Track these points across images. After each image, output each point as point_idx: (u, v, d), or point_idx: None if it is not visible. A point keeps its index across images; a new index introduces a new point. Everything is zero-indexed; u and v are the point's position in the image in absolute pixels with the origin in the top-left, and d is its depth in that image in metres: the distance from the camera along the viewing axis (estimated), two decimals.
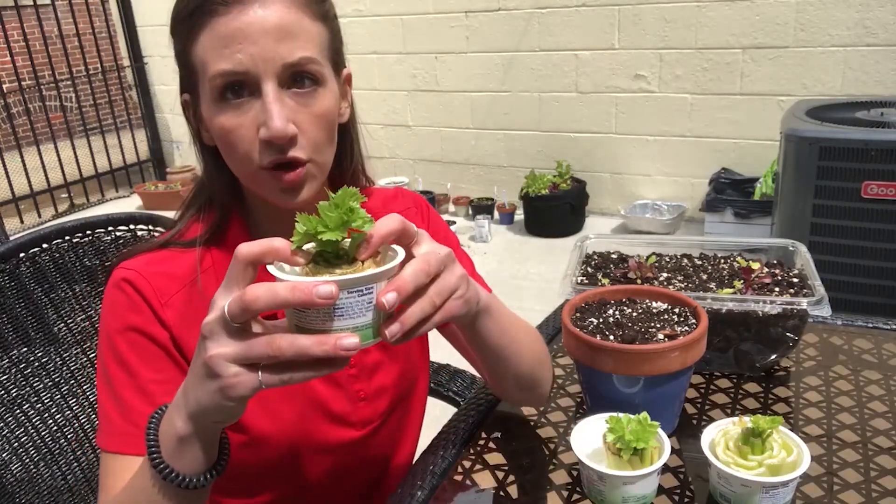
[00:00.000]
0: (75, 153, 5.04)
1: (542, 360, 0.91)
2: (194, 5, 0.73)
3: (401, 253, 0.60)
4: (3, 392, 0.96)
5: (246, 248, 0.56)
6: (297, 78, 0.74)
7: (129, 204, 5.17)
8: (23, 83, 5.18)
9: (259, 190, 0.79)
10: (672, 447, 0.82)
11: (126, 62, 5.50)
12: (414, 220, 0.99)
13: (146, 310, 0.77)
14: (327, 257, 0.57)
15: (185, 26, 0.74)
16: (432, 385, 1.23)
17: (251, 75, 0.72)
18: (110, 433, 0.76)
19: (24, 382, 0.98)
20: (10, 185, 4.76)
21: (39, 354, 1.00)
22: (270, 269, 0.56)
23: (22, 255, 0.99)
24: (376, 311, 0.57)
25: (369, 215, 0.57)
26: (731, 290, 1.02)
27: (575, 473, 0.86)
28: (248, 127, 0.74)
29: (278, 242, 0.56)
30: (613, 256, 1.18)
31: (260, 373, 0.55)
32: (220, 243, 0.83)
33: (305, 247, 0.57)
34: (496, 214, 4.27)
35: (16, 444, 0.96)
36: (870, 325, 1.17)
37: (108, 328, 0.79)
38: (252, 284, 0.54)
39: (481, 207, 4.23)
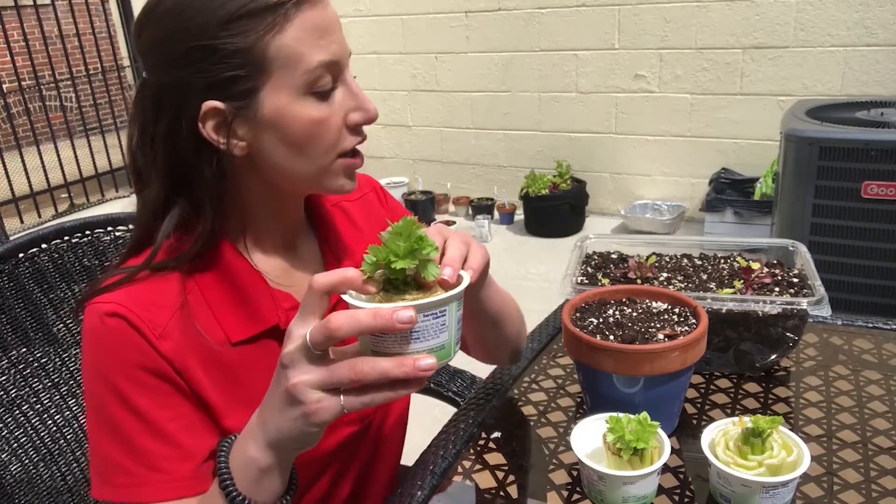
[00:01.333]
0: (75, 153, 5.03)
1: (523, 319, 1.02)
2: None
3: (465, 276, 0.63)
4: (2, 393, 0.96)
5: (322, 279, 0.59)
6: None
7: (129, 204, 5.17)
8: (23, 83, 5.18)
9: (328, 182, 0.79)
10: (672, 447, 0.83)
11: (126, 62, 5.50)
12: (373, 205, 1.00)
13: (144, 345, 0.72)
14: (396, 284, 0.60)
15: (265, 17, 0.70)
16: (432, 385, 1.23)
17: (340, 66, 0.75)
18: (132, 485, 0.72)
19: (23, 383, 0.98)
20: (10, 185, 4.76)
21: (39, 355, 1.00)
22: (347, 298, 0.59)
23: (21, 255, 0.99)
24: (448, 332, 0.60)
25: (435, 242, 0.61)
26: (731, 290, 1.02)
27: (575, 473, 0.86)
28: (336, 115, 0.75)
29: (351, 272, 0.59)
30: (613, 256, 1.18)
31: (342, 396, 0.58)
32: (200, 259, 0.78)
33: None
34: (496, 214, 4.27)
35: (15, 444, 0.96)
36: (870, 325, 1.17)
37: (104, 370, 0.73)
38: (334, 313, 0.56)
39: (481, 207, 4.23)
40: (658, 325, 0.91)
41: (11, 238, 1.02)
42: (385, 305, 0.56)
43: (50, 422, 1.01)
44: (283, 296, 0.82)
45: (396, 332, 0.57)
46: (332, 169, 0.78)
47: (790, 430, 0.81)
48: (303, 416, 0.59)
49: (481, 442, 0.93)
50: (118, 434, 0.72)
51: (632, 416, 0.79)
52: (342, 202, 0.96)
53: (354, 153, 0.79)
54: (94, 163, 5.25)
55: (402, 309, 0.55)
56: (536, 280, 3.46)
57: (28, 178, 4.81)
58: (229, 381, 0.78)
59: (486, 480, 0.86)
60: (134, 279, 0.75)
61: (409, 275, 0.60)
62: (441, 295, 0.59)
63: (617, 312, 0.96)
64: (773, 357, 1.02)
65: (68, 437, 1.02)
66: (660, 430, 0.78)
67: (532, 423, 0.97)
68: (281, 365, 0.60)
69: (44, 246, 1.02)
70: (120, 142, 5.38)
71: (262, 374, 0.80)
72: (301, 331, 0.59)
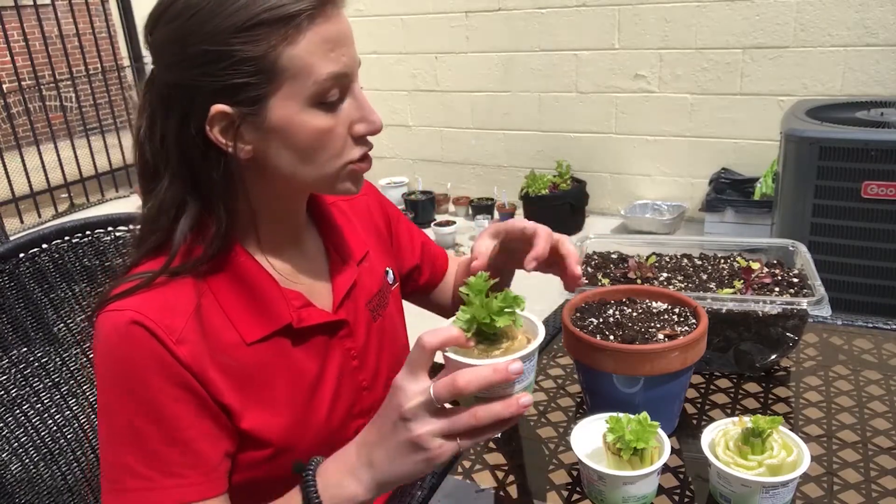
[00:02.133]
0: (75, 153, 5.04)
1: None
2: (297, 8, 0.70)
3: (539, 327, 0.70)
4: (2, 392, 0.96)
5: (432, 339, 0.65)
6: None
7: (129, 204, 5.17)
8: (23, 83, 5.18)
9: (337, 186, 0.81)
10: (672, 447, 0.83)
11: (126, 62, 5.50)
12: (374, 209, 1.03)
13: (162, 351, 0.72)
14: (488, 336, 0.68)
15: (279, 28, 0.70)
16: None
17: (349, 77, 0.76)
18: (143, 489, 0.72)
19: (23, 383, 0.98)
20: (10, 185, 4.76)
21: (39, 355, 1.00)
22: (451, 354, 0.67)
23: (22, 255, 0.99)
24: (535, 370, 0.70)
25: (522, 297, 0.68)
26: (731, 290, 1.02)
27: (575, 473, 0.86)
28: (342, 125, 0.77)
29: (455, 332, 0.66)
30: (613, 256, 1.18)
31: (459, 439, 0.66)
32: (210, 262, 0.78)
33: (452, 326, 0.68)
34: (496, 214, 4.27)
35: (15, 444, 0.96)
36: (870, 325, 1.17)
37: (121, 378, 0.72)
38: (460, 371, 0.63)
39: (481, 207, 4.23)
40: (658, 325, 0.91)
41: (12, 238, 1.01)
42: (498, 360, 0.64)
43: (50, 421, 1.01)
44: (294, 294, 0.83)
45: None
46: (339, 175, 0.80)
47: (790, 430, 0.81)
48: (426, 460, 0.66)
49: (481, 442, 0.93)
50: (132, 440, 0.72)
51: (632, 416, 0.79)
52: (338, 201, 0.97)
53: (363, 158, 0.80)
54: (94, 163, 5.25)
55: (512, 362, 0.64)
56: (536, 280, 3.46)
57: (28, 178, 4.81)
58: (245, 382, 0.78)
59: (486, 480, 0.86)
60: (149, 284, 0.75)
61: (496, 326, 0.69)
62: (534, 343, 0.68)
63: (617, 312, 0.96)
64: (773, 357, 1.03)
65: (69, 436, 1.03)
66: (660, 430, 0.78)
67: (532, 423, 0.97)
68: (402, 418, 0.65)
69: (44, 246, 1.02)
70: (120, 142, 5.38)
71: (276, 373, 0.81)
72: (416, 386, 0.65)
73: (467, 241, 4.01)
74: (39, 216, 4.88)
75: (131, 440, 0.72)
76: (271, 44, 0.70)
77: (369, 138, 0.81)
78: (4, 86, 5.24)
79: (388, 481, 0.69)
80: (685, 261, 1.15)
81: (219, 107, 0.72)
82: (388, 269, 1.01)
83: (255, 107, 0.73)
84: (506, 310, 0.67)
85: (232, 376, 0.77)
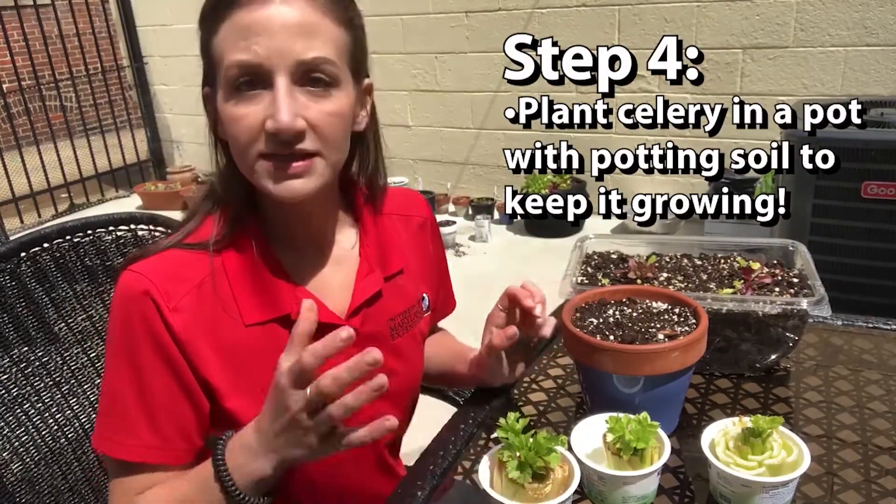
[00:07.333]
0: (75, 153, 5.03)
1: None
2: None
3: (571, 460, 0.77)
4: (3, 391, 0.96)
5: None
6: (311, 77, 0.76)
7: (129, 204, 5.17)
8: (23, 83, 5.18)
9: (259, 182, 0.78)
10: (672, 447, 0.83)
11: (126, 62, 5.50)
12: (424, 239, 1.02)
13: (156, 316, 0.77)
14: (540, 473, 0.75)
15: (210, 18, 0.77)
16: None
17: (265, 68, 0.74)
18: (113, 442, 0.79)
19: (24, 382, 0.98)
20: (10, 185, 4.75)
21: (40, 354, 1.00)
22: (493, 493, 0.73)
23: (23, 254, 0.99)
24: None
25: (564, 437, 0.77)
26: (731, 290, 1.03)
27: None
28: (254, 116, 0.75)
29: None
30: (613, 256, 1.18)
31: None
32: (232, 244, 0.83)
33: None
34: (496, 214, 4.27)
35: (16, 443, 0.96)
36: (870, 325, 1.17)
37: (117, 328, 0.78)
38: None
39: (481, 207, 4.23)
40: (658, 326, 0.91)
41: (13, 237, 1.02)
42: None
43: (51, 420, 1.01)
44: (303, 291, 0.85)
45: None
46: (256, 169, 0.78)
47: (790, 430, 0.81)
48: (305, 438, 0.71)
49: (481, 442, 0.93)
50: (111, 395, 0.79)
51: (632, 416, 0.79)
52: (394, 214, 0.99)
53: (276, 157, 0.76)
54: (94, 163, 5.25)
55: None
56: (536, 280, 3.45)
57: (28, 178, 4.80)
58: (236, 363, 0.80)
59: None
60: (170, 252, 0.81)
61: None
62: (572, 488, 0.74)
63: (617, 312, 0.96)
64: (773, 357, 1.03)
65: (69, 435, 1.03)
66: (660, 430, 0.78)
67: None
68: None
69: (45, 245, 1.02)
70: (120, 142, 5.38)
71: (266, 359, 0.81)
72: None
73: (467, 240, 4.01)
74: (39, 216, 4.88)
75: (111, 395, 0.79)
76: (208, 33, 0.77)
77: (311, 145, 0.77)
78: (4, 86, 5.23)
79: (288, 462, 0.73)
80: (685, 261, 1.15)
81: (205, 88, 0.82)
82: (424, 294, 1.01)
83: (213, 88, 0.79)
84: (553, 448, 0.74)
85: (224, 355, 0.80)
